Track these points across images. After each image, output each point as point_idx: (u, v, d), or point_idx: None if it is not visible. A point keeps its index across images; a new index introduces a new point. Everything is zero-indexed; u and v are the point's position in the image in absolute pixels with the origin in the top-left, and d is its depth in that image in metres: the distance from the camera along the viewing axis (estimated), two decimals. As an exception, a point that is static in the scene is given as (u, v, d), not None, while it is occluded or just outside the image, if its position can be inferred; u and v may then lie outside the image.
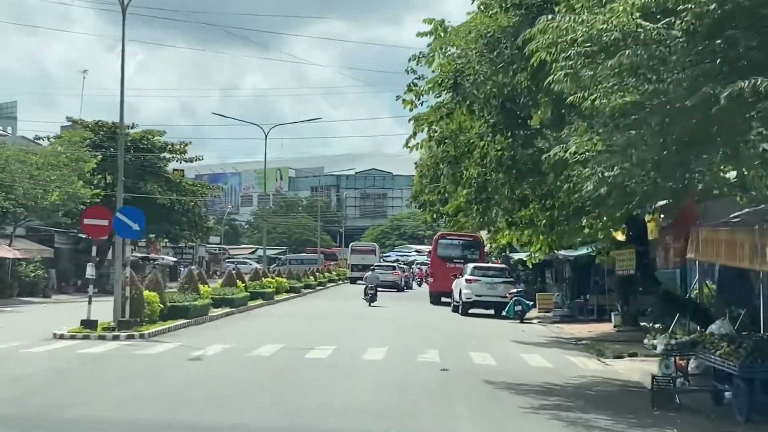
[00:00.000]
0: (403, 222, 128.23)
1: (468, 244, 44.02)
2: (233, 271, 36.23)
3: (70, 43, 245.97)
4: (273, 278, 43.56)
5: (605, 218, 17.65)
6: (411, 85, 17.57)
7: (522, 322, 31.67)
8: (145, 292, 23.46)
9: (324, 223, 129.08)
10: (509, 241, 25.93)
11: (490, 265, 38.77)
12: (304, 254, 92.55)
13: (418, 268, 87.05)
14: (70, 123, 53.45)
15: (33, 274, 44.25)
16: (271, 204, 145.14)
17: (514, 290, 32.91)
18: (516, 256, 35.92)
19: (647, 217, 20.50)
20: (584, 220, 18.20)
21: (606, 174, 10.72)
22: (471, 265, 35.80)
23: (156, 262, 66.44)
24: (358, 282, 73.05)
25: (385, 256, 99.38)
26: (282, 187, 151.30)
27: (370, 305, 37.66)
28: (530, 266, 40.09)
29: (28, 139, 58.09)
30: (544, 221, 20.63)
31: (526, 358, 19.52)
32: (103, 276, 54.05)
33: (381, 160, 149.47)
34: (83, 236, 56.37)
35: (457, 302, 35.66)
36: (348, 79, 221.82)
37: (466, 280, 34.45)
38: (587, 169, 11.16)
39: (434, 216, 64.43)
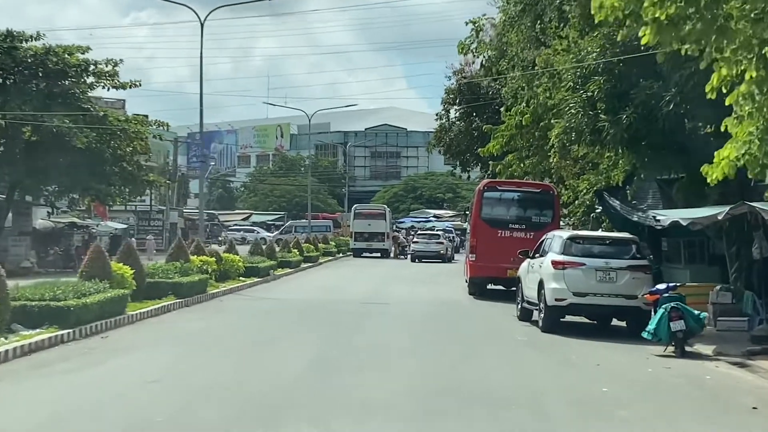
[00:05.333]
0: (420, 183, 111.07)
1: (533, 198, 26.87)
2: (99, 242, 19.38)
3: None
4: (210, 256, 26.66)
5: None
6: None
7: (683, 353, 14.85)
8: None
9: (330, 185, 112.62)
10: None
11: (602, 234, 21.09)
12: (314, 221, 75.81)
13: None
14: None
15: None
16: (270, 164, 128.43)
17: (662, 287, 15.87)
18: (663, 215, 17.85)
19: None
20: None
21: None
22: (562, 235, 18.55)
23: (91, 230, 49.74)
24: (365, 255, 56.69)
25: (399, 222, 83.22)
26: (283, 146, 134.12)
27: None
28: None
29: None
30: None
31: None
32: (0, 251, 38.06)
33: (394, 116, 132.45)
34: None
35: (533, 304, 18.76)
36: (361, 42, 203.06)
37: (555, 265, 17.43)
38: None
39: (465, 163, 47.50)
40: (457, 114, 43.15)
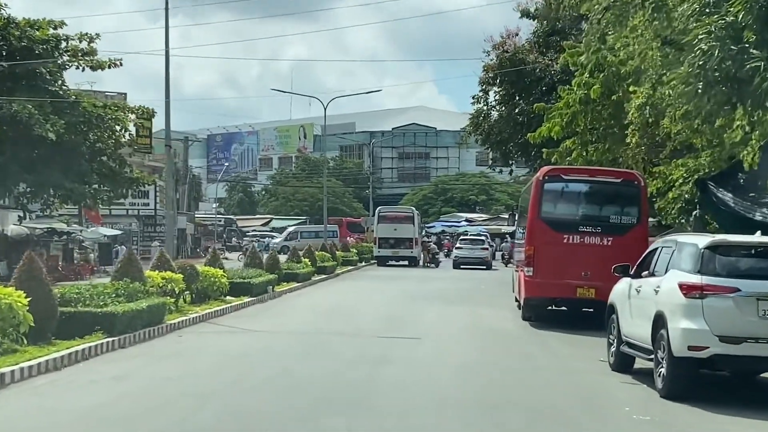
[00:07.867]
0: (450, 185, 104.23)
1: (611, 190, 19.87)
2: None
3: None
4: (183, 270, 20.07)
5: None
6: None
7: None
8: None
9: (355, 188, 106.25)
10: None
11: (761, 239, 13.57)
12: (315, 227, 69.56)
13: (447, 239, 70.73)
14: None
15: None
16: (293, 167, 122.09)
17: None
18: None
19: None
20: None
21: None
22: (696, 241, 11.46)
23: (75, 237, 43.38)
24: (390, 263, 50.04)
25: (428, 227, 76.65)
26: (306, 147, 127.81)
27: None
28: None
29: None
30: None
31: None
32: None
33: (423, 116, 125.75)
34: None
35: (640, 349, 11.94)
36: (391, 47, 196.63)
37: (687, 290, 10.58)
38: None
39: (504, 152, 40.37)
40: (498, 96, 36.31)
